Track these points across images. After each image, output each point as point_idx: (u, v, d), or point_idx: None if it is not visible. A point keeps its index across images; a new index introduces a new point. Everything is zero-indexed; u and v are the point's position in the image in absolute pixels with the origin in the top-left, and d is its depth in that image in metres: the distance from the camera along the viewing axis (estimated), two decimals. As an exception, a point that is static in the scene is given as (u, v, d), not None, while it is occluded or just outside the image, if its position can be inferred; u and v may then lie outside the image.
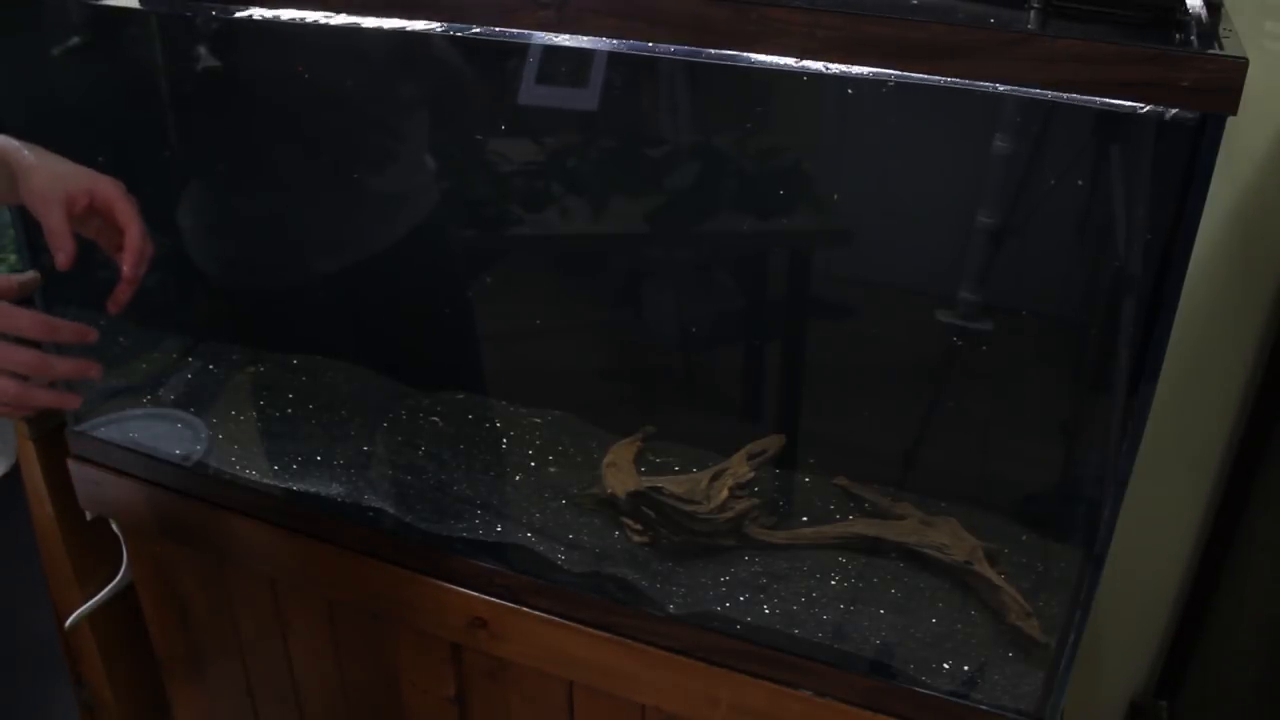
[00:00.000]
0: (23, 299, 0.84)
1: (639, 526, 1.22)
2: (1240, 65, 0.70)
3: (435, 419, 1.41)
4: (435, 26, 0.97)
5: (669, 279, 1.33)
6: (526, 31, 0.91)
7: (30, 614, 1.09)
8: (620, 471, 1.24)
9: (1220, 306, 1.20)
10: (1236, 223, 1.16)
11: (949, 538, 1.15)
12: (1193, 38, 0.77)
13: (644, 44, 0.88)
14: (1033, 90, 0.77)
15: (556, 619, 1.17)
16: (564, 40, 0.91)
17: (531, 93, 1.18)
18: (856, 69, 0.81)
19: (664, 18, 0.85)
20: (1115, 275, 0.99)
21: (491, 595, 1.20)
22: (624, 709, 1.19)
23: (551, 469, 1.34)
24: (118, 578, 1.56)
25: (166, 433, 1.42)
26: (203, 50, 1.26)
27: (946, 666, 1.08)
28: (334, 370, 1.52)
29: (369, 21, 1.00)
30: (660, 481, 1.21)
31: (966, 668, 1.07)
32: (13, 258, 1.44)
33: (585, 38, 0.90)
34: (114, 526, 1.48)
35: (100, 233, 0.94)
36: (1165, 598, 1.39)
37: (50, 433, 1.45)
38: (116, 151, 1.31)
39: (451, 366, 1.45)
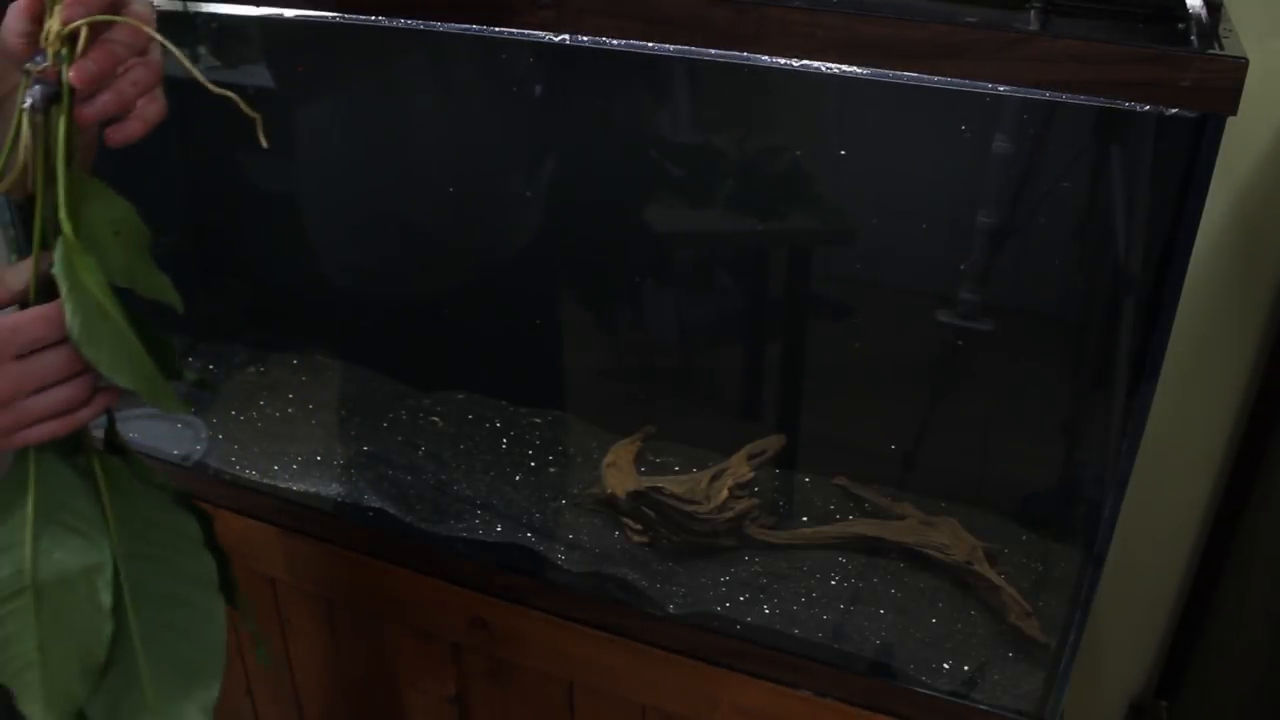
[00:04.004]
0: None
1: (639, 526, 1.22)
2: (1240, 65, 0.70)
3: (435, 419, 1.41)
4: (435, 26, 0.97)
5: (669, 279, 1.33)
6: (526, 31, 0.91)
7: None
8: (620, 471, 1.24)
9: (1220, 306, 1.20)
10: (1236, 222, 1.16)
11: (949, 538, 1.15)
12: (1193, 38, 0.77)
13: (644, 44, 0.88)
14: (1033, 90, 0.77)
15: (556, 619, 1.17)
16: (563, 40, 0.91)
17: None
18: (856, 69, 0.81)
19: (664, 18, 0.85)
20: (1115, 275, 0.99)
21: (491, 595, 1.19)
22: (624, 709, 1.19)
23: (551, 469, 1.34)
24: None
25: (166, 433, 1.42)
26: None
27: (946, 666, 1.08)
28: (334, 370, 1.52)
29: (368, 20, 1.00)
30: (660, 481, 1.21)
31: (966, 668, 1.07)
32: None
33: (585, 38, 0.90)
34: (114, 526, 1.48)
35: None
36: (1165, 598, 1.39)
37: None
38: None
39: (452, 366, 1.45)
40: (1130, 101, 0.74)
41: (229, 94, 0.65)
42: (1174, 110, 0.74)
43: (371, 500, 1.30)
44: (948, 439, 1.17)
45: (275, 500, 1.31)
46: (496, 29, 0.93)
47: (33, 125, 0.62)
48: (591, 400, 1.40)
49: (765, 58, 0.84)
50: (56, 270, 0.62)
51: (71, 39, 0.61)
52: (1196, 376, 1.24)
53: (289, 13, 1.03)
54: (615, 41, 0.89)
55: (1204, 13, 0.82)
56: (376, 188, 1.36)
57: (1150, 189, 0.91)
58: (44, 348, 0.62)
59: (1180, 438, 1.28)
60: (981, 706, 1.03)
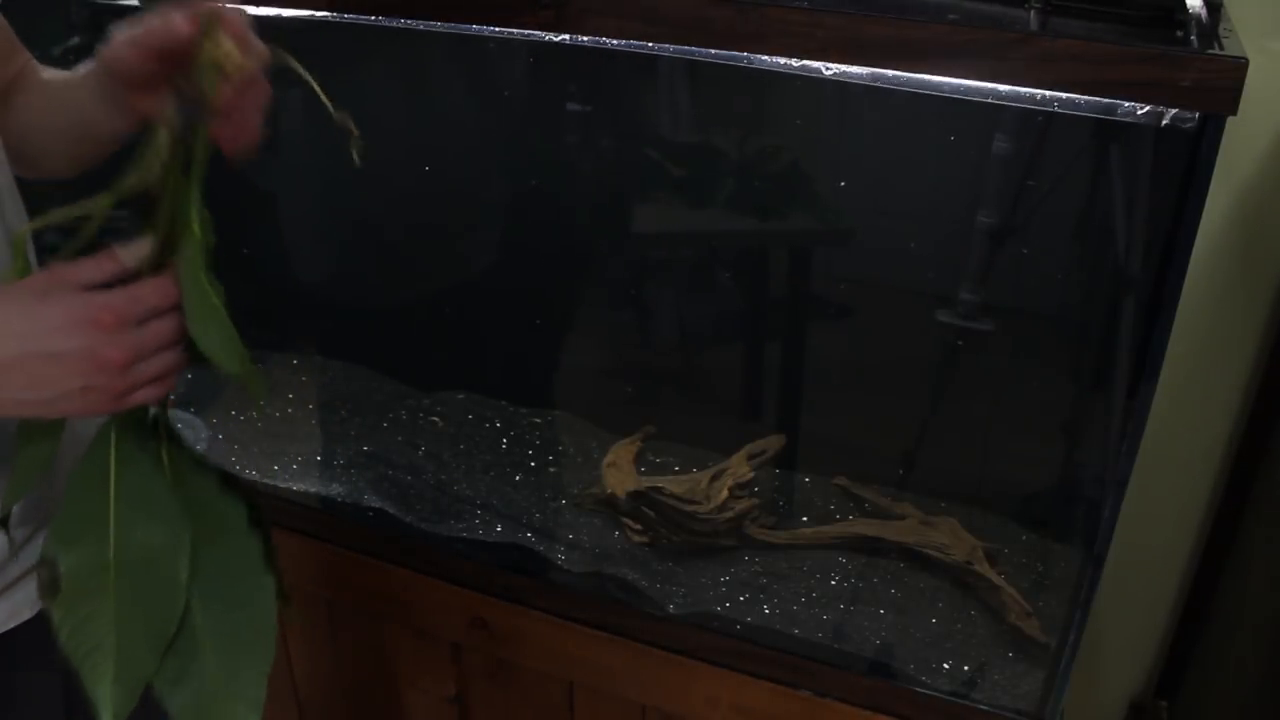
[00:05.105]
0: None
1: (639, 526, 1.22)
2: (1240, 65, 0.70)
3: (435, 419, 1.41)
4: (436, 26, 0.97)
5: (669, 279, 1.33)
6: (526, 31, 0.91)
7: None
8: (620, 471, 1.24)
9: (1220, 306, 1.20)
10: (1236, 223, 1.16)
11: (949, 538, 1.15)
12: (1193, 38, 0.77)
13: (644, 44, 0.88)
14: (1033, 90, 0.77)
15: (556, 619, 1.17)
16: (563, 40, 0.91)
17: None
18: (856, 69, 0.81)
19: (664, 18, 0.85)
20: (1115, 275, 0.99)
21: (491, 595, 1.20)
22: (624, 709, 1.19)
23: (551, 469, 1.34)
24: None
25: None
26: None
27: (946, 666, 1.08)
28: (334, 370, 1.52)
29: (368, 20, 1.00)
30: (660, 481, 1.21)
31: (966, 668, 1.07)
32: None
33: (585, 38, 0.90)
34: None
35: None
36: (1165, 598, 1.39)
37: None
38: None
39: (454, 366, 1.45)
40: (1130, 101, 0.74)
41: (345, 113, 0.74)
42: (1174, 110, 0.74)
43: (371, 500, 1.30)
44: (948, 439, 1.17)
45: (275, 500, 1.31)
46: (497, 29, 0.93)
47: (173, 137, 0.69)
48: (591, 400, 1.40)
49: (765, 58, 0.84)
50: (181, 259, 0.70)
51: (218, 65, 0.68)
52: (1196, 376, 1.24)
53: (289, 13, 1.03)
54: (615, 41, 0.89)
55: (1204, 13, 0.82)
56: (378, 188, 1.36)
57: (1150, 189, 0.91)
58: (155, 317, 0.69)
59: (1180, 438, 1.28)
60: (981, 706, 1.03)
